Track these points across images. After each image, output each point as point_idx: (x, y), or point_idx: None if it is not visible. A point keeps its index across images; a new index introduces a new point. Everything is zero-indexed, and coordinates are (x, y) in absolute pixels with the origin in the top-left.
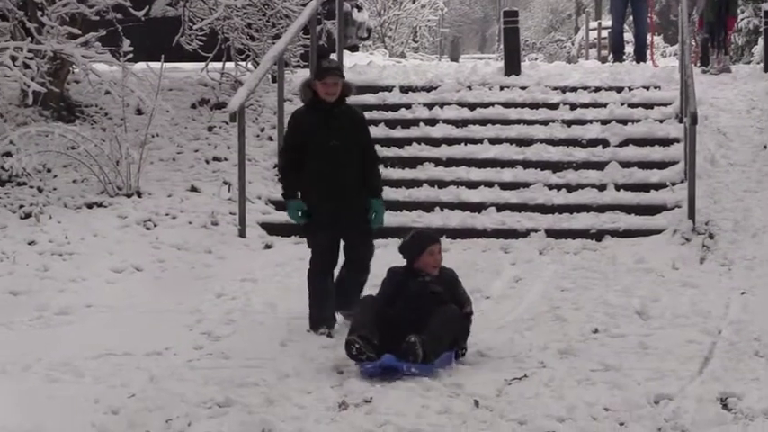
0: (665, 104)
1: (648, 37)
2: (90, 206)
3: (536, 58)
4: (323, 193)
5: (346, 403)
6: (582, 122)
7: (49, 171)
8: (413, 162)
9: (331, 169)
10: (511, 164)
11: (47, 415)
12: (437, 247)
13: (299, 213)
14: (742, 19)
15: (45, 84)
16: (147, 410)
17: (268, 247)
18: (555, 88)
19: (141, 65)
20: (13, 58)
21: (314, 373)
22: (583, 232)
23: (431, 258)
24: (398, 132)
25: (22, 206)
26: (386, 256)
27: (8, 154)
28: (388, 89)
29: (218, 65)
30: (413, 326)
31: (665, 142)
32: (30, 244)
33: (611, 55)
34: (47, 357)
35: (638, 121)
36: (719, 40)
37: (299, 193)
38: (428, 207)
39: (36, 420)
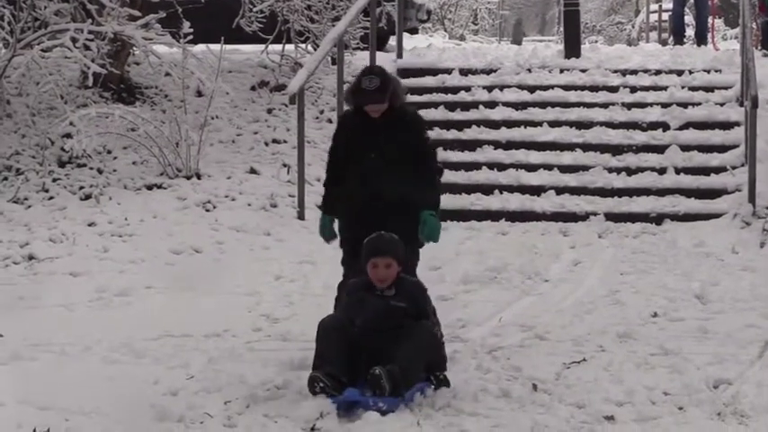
0: (726, 88)
1: (709, 20)
2: (149, 188)
3: (596, 41)
4: (353, 216)
5: None
6: (642, 105)
7: (108, 152)
8: (472, 145)
9: (366, 188)
10: (570, 147)
11: (106, 396)
12: (382, 260)
13: (327, 231)
14: None
15: (105, 65)
16: (205, 392)
17: None
18: (615, 71)
19: (201, 47)
20: (74, 40)
21: None
22: (642, 216)
23: (373, 272)
24: (458, 115)
25: (82, 187)
26: (448, 238)
27: (68, 135)
28: (448, 71)
29: (278, 47)
30: (379, 350)
31: (726, 126)
32: (89, 225)
33: (671, 38)
34: (106, 338)
35: (699, 104)
36: None
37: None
38: (487, 190)
39: (96, 401)
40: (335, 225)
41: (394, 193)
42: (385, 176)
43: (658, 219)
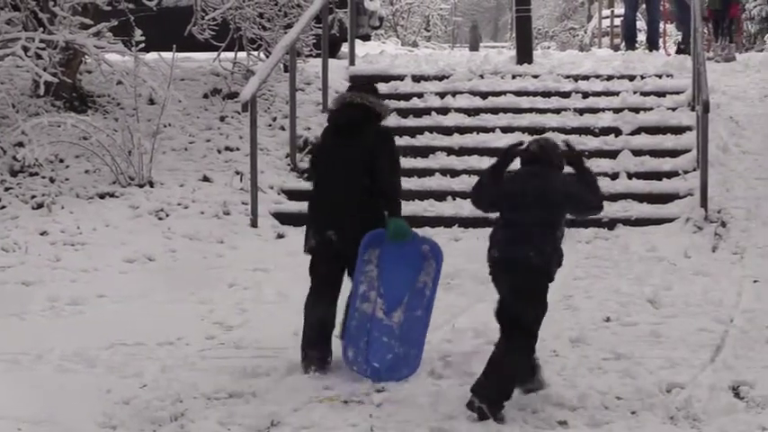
0: (678, 92)
1: (661, 25)
2: (102, 196)
3: (548, 47)
4: None
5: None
6: (594, 111)
7: (61, 161)
8: (425, 151)
9: None
10: None
11: (59, 405)
12: None
13: None
14: (755, 6)
15: (57, 74)
16: (159, 400)
17: (280, 236)
18: (567, 77)
19: (153, 55)
20: (25, 49)
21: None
22: (595, 221)
23: None
24: (410, 121)
25: (34, 196)
26: None
27: (20, 144)
28: (400, 78)
29: (231, 54)
30: None
31: (678, 130)
32: (42, 234)
33: (623, 43)
34: (59, 348)
35: (651, 109)
36: (723, 27)
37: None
38: (440, 196)
39: (49, 410)
40: None
41: None
42: None
43: (611, 224)
